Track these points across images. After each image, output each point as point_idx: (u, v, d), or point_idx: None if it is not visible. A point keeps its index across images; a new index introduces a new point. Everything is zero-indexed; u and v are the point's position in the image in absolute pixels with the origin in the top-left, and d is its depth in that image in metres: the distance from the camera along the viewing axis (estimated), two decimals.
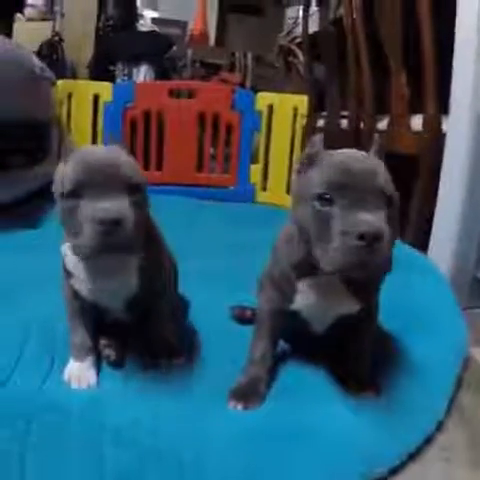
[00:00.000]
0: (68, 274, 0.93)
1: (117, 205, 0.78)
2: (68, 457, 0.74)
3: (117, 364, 0.97)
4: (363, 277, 0.80)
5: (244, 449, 0.77)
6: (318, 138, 0.85)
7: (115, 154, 0.85)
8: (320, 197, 0.77)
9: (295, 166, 0.87)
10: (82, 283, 0.92)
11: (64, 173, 0.82)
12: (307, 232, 0.79)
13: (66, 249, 0.90)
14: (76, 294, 0.95)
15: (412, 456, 0.83)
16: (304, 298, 0.90)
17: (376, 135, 0.86)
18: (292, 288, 0.90)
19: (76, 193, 0.79)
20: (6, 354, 0.97)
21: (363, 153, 0.82)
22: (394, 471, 0.79)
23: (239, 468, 0.74)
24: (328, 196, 0.76)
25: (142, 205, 0.85)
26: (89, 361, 0.94)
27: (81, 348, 0.95)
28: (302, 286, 0.89)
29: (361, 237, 0.71)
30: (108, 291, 0.93)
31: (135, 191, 0.82)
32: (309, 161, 0.83)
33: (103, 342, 1.00)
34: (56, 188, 0.83)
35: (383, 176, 0.78)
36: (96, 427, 0.79)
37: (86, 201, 0.78)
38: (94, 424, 0.80)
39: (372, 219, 0.73)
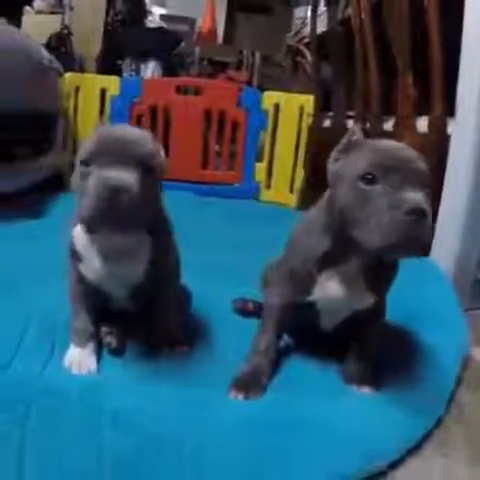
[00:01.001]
0: (75, 257, 0.94)
1: (123, 176, 0.79)
2: (67, 441, 0.74)
3: (118, 352, 0.98)
4: (408, 254, 0.79)
5: (244, 439, 0.78)
6: (357, 127, 0.87)
7: (136, 134, 0.87)
8: (364, 177, 0.78)
9: (332, 154, 0.88)
10: (89, 266, 0.93)
11: (86, 142, 0.85)
12: (347, 214, 0.80)
13: (75, 231, 0.91)
14: (81, 278, 0.95)
15: (411, 451, 0.84)
16: (323, 289, 0.90)
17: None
18: (312, 280, 0.90)
19: (89, 161, 0.82)
20: (7, 340, 0.98)
21: (402, 144, 0.85)
22: (394, 465, 0.81)
23: (239, 457, 0.75)
24: (372, 176, 0.78)
25: (152, 187, 0.85)
26: (90, 347, 0.95)
27: (82, 334, 0.96)
28: (322, 278, 0.90)
29: (410, 212, 0.73)
30: (115, 276, 0.94)
31: (147, 171, 0.83)
32: (349, 148, 0.85)
33: (104, 329, 1.01)
34: (78, 155, 0.86)
35: (423, 161, 0.81)
36: (95, 411, 0.80)
37: (96, 169, 0.80)
38: (93, 408, 0.80)
39: (418, 196, 0.75)
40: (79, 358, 0.93)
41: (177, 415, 0.81)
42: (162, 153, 0.91)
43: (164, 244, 0.96)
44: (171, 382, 0.90)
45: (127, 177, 0.79)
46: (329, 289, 0.90)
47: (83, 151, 0.83)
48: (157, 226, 0.93)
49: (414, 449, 0.85)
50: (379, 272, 0.89)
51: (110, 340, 0.99)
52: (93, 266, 0.92)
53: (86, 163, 0.82)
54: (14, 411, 0.78)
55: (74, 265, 0.95)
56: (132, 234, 0.88)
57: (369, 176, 0.78)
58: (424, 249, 0.78)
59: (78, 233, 0.91)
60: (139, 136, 0.86)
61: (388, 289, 0.95)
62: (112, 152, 0.81)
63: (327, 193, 0.90)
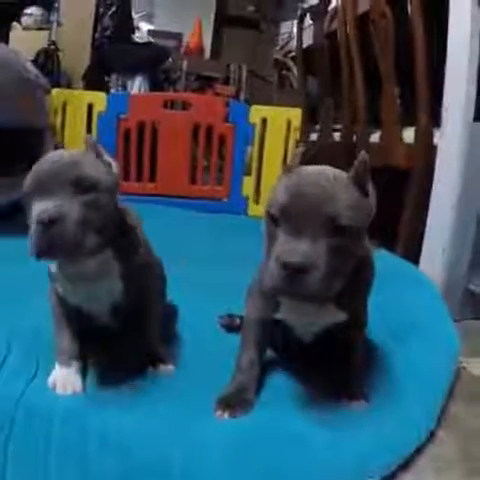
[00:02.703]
0: (52, 279, 0.92)
1: (53, 204, 0.77)
2: (50, 464, 0.72)
3: (103, 370, 0.96)
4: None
5: (233, 457, 0.76)
6: (299, 151, 0.86)
7: (71, 155, 0.85)
8: (269, 215, 0.78)
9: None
10: (65, 287, 0.91)
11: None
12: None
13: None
14: (61, 298, 0.94)
15: (404, 466, 0.82)
16: (289, 309, 0.89)
17: (362, 152, 0.82)
18: (276, 298, 0.89)
19: (29, 195, 0.81)
20: None
21: (334, 173, 0.80)
22: None
23: (228, 477, 0.73)
24: (275, 216, 0.77)
25: (99, 205, 0.83)
26: (75, 367, 0.92)
27: (66, 353, 0.93)
28: (284, 297, 0.88)
29: (284, 266, 0.72)
30: (90, 296, 0.93)
31: (86, 190, 0.81)
32: (283, 172, 0.84)
33: (88, 348, 0.99)
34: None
35: (342, 203, 0.75)
36: (79, 433, 0.77)
37: (34, 202, 0.80)
38: (77, 430, 0.78)
39: (303, 250, 0.72)
40: (63, 378, 0.90)
41: (164, 435, 0.79)
42: (112, 169, 0.89)
43: (137, 259, 0.94)
44: (157, 401, 0.88)
45: (59, 205, 0.78)
46: (294, 309, 0.89)
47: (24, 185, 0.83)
48: (124, 243, 0.91)
49: (407, 464, 0.83)
50: (348, 287, 0.83)
51: (95, 359, 0.97)
52: (67, 288, 0.91)
53: (27, 197, 0.81)
54: None
55: (53, 286, 0.94)
56: (89, 256, 0.85)
57: (273, 216, 0.77)
58: (309, 299, 0.77)
59: None
60: (73, 157, 0.84)
61: (364, 299, 0.94)
62: (45, 180, 0.80)
63: None
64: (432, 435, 0.91)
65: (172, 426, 0.81)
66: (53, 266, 0.91)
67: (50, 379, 0.90)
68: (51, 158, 0.84)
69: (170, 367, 0.99)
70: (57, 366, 0.92)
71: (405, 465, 0.83)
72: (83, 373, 0.94)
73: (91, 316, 0.98)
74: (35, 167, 0.83)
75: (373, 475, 0.78)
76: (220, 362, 1.01)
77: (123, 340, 1.03)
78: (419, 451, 0.86)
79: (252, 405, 0.90)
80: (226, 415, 0.86)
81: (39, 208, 0.77)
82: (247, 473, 0.74)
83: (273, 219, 0.77)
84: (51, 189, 0.79)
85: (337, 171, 0.81)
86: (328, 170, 0.81)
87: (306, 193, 0.75)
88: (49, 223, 0.76)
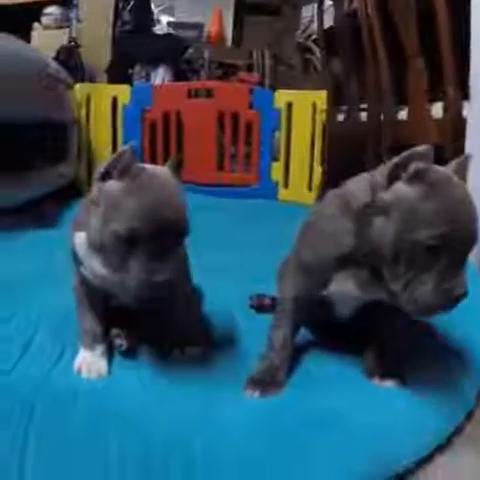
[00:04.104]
0: (77, 260, 0.92)
1: (167, 266, 0.82)
2: (72, 445, 0.72)
3: (128, 353, 0.96)
4: None
5: (259, 439, 0.75)
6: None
7: (176, 195, 0.86)
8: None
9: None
10: (90, 270, 0.91)
11: None
12: None
13: (78, 236, 0.89)
14: (84, 280, 0.93)
15: (441, 447, 0.80)
16: (339, 287, 0.87)
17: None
18: (329, 277, 0.87)
19: (135, 234, 0.81)
20: (15, 342, 0.98)
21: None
22: (422, 463, 0.77)
23: (252, 459, 0.71)
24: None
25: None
26: (99, 350, 0.93)
27: (91, 336, 0.94)
28: (339, 276, 0.86)
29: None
30: (116, 280, 0.92)
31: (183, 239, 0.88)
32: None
33: (115, 331, 0.99)
34: None
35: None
36: (102, 415, 0.78)
37: (142, 247, 0.81)
38: (100, 412, 0.78)
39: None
40: (89, 361, 0.91)
41: (187, 417, 0.79)
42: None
43: None
44: (182, 384, 0.88)
45: (169, 270, 0.82)
46: (345, 288, 0.87)
47: None
48: None
49: (444, 445, 0.81)
50: None
51: (121, 342, 0.97)
52: (94, 270, 0.90)
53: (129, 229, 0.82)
54: (18, 415, 0.76)
55: (76, 268, 0.93)
56: None
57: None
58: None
59: (80, 239, 0.89)
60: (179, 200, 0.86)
61: None
62: (159, 232, 0.81)
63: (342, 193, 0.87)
64: (470, 416, 0.88)
65: (196, 407, 0.81)
66: (81, 249, 0.90)
67: (75, 363, 0.91)
68: (161, 197, 0.82)
69: (197, 349, 0.98)
70: (81, 349, 0.93)
71: (442, 447, 0.80)
72: (108, 355, 0.94)
73: (118, 297, 0.97)
74: (144, 206, 0.80)
75: (409, 458, 0.75)
76: (250, 342, 1.01)
77: (150, 322, 1.03)
78: (457, 432, 0.84)
79: (283, 385, 0.88)
80: (257, 394, 0.85)
81: (152, 265, 0.79)
82: (271, 454, 0.72)
83: None
84: (165, 242, 0.80)
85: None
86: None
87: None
88: (162, 286, 0.79)
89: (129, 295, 0.83)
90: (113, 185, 0.81)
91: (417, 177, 0.76)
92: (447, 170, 0.80)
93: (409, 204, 0.76)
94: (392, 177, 0.78)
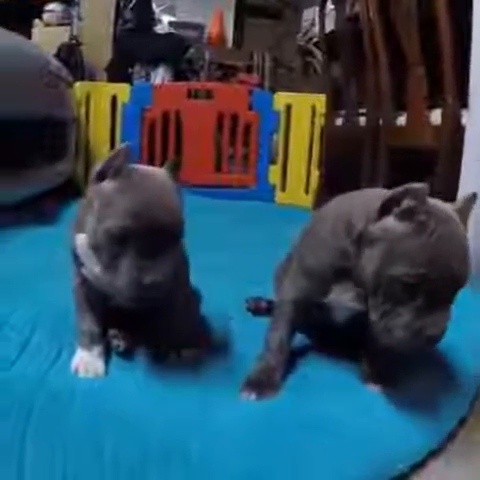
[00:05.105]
0: (78, 261, 0.92)
1: (160, 266, 0.82)
2: (68, 445, 0.72)
3: (126, 354, 0.96)
4: None
5: (254, 441, 0.75)
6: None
7: (169, 195, 0.86)
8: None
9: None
10: (90, 271, 0.91)
11: None
12: None
13: (79, 238, 0.89)
14: (84, 281, 0.94)
15: (434, 452, 0.81)
16: (338, 296, 0.88)
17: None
18: (328, 285, 0.88)
19: (126, 234, 0.81)
20: (13, 341, 0.97)
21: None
22: (415, 468, 0.77)
23: (248, 461, 0.72)
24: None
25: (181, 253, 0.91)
26: (97, 350, 0.93)
27: (89, 336, 0.94)
28: (338, 287, 0.87)
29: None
30: (110, 282, 0.92)
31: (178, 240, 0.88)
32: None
33: (112, 332, 0.99)
34: None
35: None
36: (98, 416, 0.77)
37: (132, 247, 0.81)
38: (96, 413, 0.78)
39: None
40: (86, 361, 0.91)
41: (183, 419, 0.79)
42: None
43: None
44: (179, 385, 0.88)
45: (161, 272, 0.82)
46: (343, 298, 0.88)
47: None
48: None
49: (437, 450, 0.81)
50: None
51: (118, 342, 0.97)
52: (93, 271, 0.90)
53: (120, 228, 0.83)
54: (15, 415, 0.76)
55: (77, 268, 0.94)
56: None
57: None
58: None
59: (81, 240, 0.89)
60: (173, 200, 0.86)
61: None
62: (148, 234, 0.81)
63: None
64: (463, 421, 0.89)
65: (192, 409, 0.81)
66: (81, 251, 0.90)
67: (73, 363, 0.91)
68: (153, 197, 0.82)
69: (194, 351, 0.98)
70: (79, 349, 0.93)
71: (435, 452, 0.81)
72: (105, 356, 0.94)
73: (116, 299, 0.98)
74: (136, 204, 0.80)
75: (402, 463, 0.76)
76: (246, 345, 1.01)
77: (147, 324, 1.03)
78: (450, 438, 0.84)
79: (279, 388, 0.89)
80: (253, 396, 0.85)
81: (142, 264, 0.79)
82: (266, 457, 0.72)
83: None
84: (156, 241, 0.80)
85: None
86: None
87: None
88: (152, 287, 0.79)
89: (120, 295, 0.83)
90: (107, 185, 0.82)
91: (408, 214, 0.77)
92: (447, 208, 0.80)
93: (393, 239, 0.77)
94: (384, 211, 0.79)
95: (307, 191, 2.77)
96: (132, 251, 0.79)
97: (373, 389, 0.90)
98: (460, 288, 0.77)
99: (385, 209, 0.78)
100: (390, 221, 0.78)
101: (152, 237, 0.79)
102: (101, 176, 0.83)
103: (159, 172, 0.88)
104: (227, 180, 2.87)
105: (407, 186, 0.76)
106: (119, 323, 1.01)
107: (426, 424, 0.83)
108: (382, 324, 0.78)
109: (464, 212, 0.82)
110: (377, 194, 0.83)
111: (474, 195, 0.84)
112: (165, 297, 0.91)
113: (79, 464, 0.70)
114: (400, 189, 0.77)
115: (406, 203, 0.76)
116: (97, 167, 0.83)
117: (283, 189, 2.84)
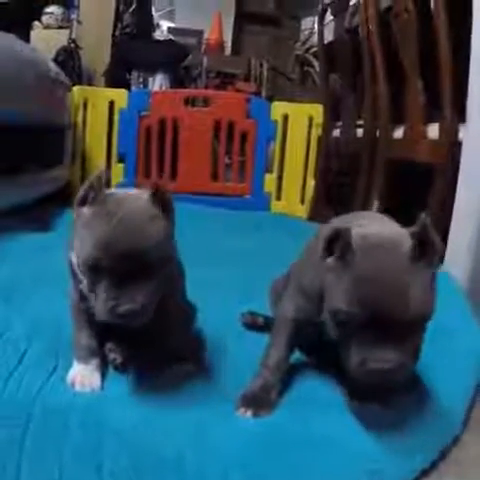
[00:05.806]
0: (75, 278, 0.92)
1: (138, 296, 0.81)
2: (65, 461, 0.71)
3: (122, 368, 0.96)
4: None
5: (249, 458, 0.74)
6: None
7: (147, 224, 0.84)
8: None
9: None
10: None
11: None
12: None
13: (72, 256, 0.89)
14: (82, 296, 0.93)
15: (426, 471, 0.80)
16: None
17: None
18: (322, 304, 0.86)
19: (97, 264, 0.81)
20: (8, 354, 0.96)
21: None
22: None
23: (243, 477, 0.71)
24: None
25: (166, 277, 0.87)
26: (93, 364, 0.92)
27: (85, 350, 0.93)
28: None
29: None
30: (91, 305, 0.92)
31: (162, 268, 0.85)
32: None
33: (109, 346, 0.98)
34: None
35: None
36: (95, 430, 0.77)
37: (104, 278, 0.81)
38: (94, 427, 0.77)
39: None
40: (82, 375, 0.90)
41: (179, 433, 0.78)
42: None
43: None
44: (175, 400, 0.87)
45: (141, 304, 0.81)
46: None
47: None
48: None
49: (429, 469, 0.81)
50: None
51: (114, 356, 0.96)
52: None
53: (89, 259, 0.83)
54: (11, 430, 0.75)
55: (75, 284, 0.93)
56: None
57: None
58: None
59: (75, 259, 0.88)
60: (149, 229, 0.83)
61: None
62: (123, 264, 0.79)
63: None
64: (456, 439, 0.88)
65: (189, 425, 0.80)
66: (75, 266, 0.89)
67: (69, 376, 0.90)
68: (124, 225, 0.80)
69: (190, 366, 0.97)
70: (75, 363, 0.93)
71: (428, 471, 0.80)
72: (102, 370, 0.93)
73: None
74: (106, 234, 0.79)
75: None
76: (242, 361, 1.00)
77: (144, 338, 1.02)
78: (441, 456, 0.84)
79: (275, 405, 0.88)
80: (249, 413, 0.84)
81: (117, 293, 0.78)
82: (261, 473, 0.72)
83: None
84: (129, 270, 0.79)
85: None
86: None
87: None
88: (128, 315, 0.79)
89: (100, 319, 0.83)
90: (86, 211, 0.82)
91: (342, 254, 0.77)
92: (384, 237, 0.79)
93: (330, 278, 0.79)
94: (325, 254, 0.80)
95: (303, 201, 2.77)
96: (106, 280, 0.79)
97: (355, 406, 0.89)
98: (409, 321, 0.74)
99: (326, 253, 0.80)
100: (330, 261, 0.80)
101: (123, 266, 0.78)
102: (82, 201, 0.83)
103: (137, 198, 0.85)
104: (222, 188, 2.86)
105: (336, 227, 0.78)
106: (115, 337, 1.00)
107: (418, 442, 0.82)
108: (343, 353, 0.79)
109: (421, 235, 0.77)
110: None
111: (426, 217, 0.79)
112: (157, 314, 0.91)
113: (75, 478, 0.69)
114: (330, 232, 0.78)
115: (340, 244, 0.77)
116: (80, 192, 0.83)
117: (278, 198, 2.83)
